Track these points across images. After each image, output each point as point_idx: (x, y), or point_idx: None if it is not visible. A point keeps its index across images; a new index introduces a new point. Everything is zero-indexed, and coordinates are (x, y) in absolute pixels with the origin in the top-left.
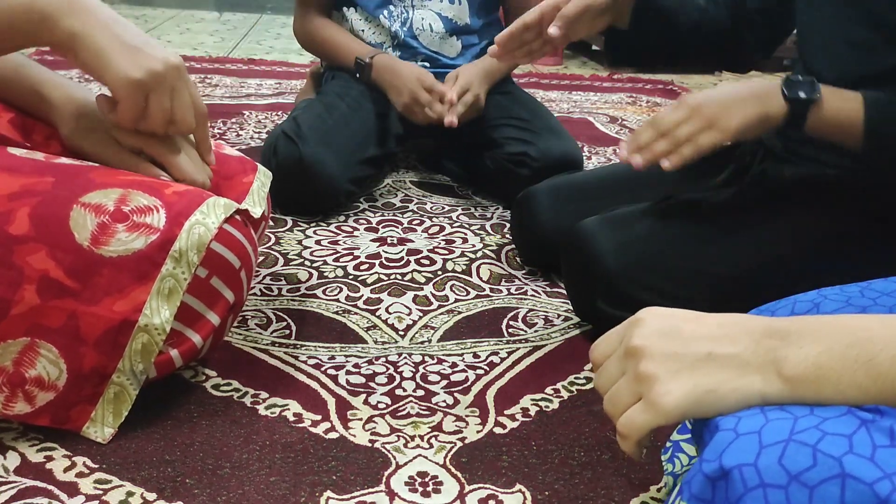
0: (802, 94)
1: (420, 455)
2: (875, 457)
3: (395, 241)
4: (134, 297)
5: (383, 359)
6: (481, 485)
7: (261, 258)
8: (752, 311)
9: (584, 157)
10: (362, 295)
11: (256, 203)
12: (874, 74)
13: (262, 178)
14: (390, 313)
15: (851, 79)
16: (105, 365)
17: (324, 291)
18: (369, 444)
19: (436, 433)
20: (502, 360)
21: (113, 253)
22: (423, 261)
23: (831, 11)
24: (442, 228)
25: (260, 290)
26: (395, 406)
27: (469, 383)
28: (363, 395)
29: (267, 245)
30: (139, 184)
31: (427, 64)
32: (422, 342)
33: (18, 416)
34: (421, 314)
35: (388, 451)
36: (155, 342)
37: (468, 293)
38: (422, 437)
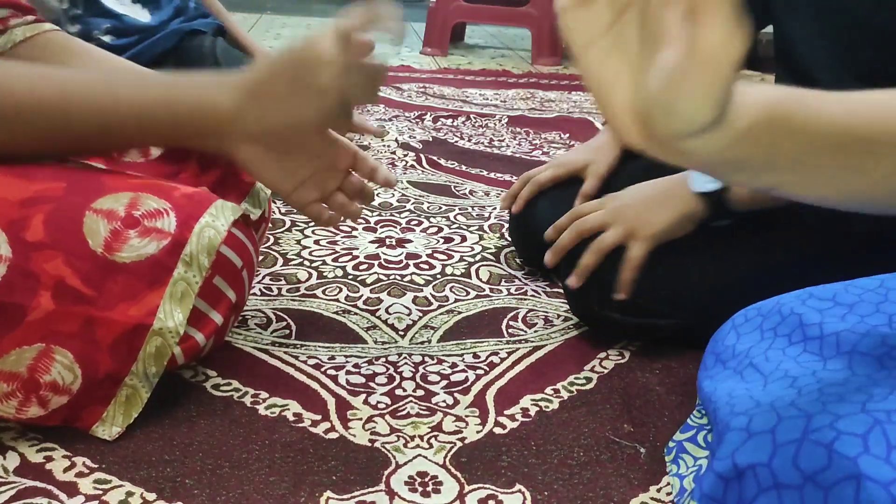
0: (711, 186)
1: (420, 455)
2: (890, 457)
3: (394, 243)
4: (148, 302)
5: (383, 359)
6: (481, 485)
7: (260, 258)
8: (740, 312)
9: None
10: (362, 295)
11: (256, 204)
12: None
13: None
14: (390, 313)
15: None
16: (119, 369)
17: (323, 291)
18: (369, 444)
19: (436, 433)
20: (502, 360)
21: (126, 259)
22: (421, 265)
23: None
24: (440, 229)
25: (260, 290)
26: (394, 406)
27: (469, 383)
28: (363, 395)
29: (266, 245)
30: (149, 186)
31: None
32: (422, 342)
33: (31, 419)
34: (421, 314)
35: (388, 450)
36: (168, 345)
37: (468, 293)
38: (422, 437)
